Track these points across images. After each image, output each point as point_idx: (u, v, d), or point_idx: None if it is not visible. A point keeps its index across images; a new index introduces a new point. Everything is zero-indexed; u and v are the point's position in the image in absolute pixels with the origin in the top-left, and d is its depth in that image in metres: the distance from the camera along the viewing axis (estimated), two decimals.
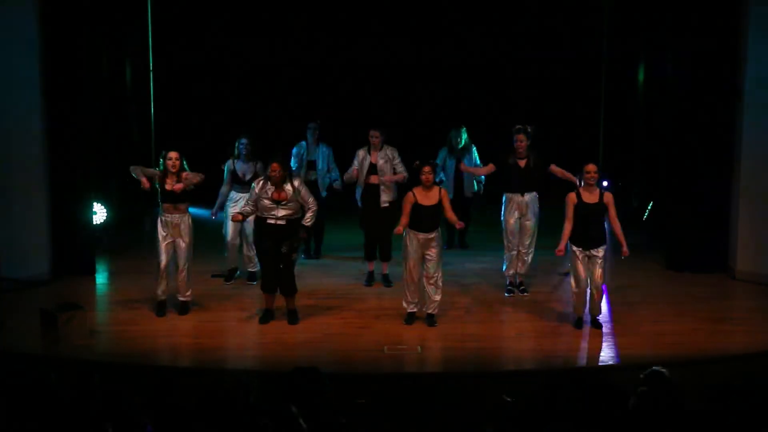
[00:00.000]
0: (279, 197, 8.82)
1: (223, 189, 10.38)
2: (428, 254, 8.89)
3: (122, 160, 12.19)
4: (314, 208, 8.99)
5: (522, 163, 9.81)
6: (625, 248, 8.79)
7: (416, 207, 8.81)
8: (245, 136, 10.33)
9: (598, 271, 8.75)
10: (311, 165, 11.19)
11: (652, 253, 11.94)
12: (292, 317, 9.12)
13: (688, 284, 10.56)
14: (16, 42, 10.11)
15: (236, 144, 10.29)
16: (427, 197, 8.84)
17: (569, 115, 15.33)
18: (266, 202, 8.87)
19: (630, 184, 13.93)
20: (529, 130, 9.85)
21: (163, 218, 9.16)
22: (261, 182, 8.97)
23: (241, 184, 10.22)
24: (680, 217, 11.05)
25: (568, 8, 14.95)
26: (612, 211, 8.80)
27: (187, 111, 14.53)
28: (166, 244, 9.15)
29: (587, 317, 9.00)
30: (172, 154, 9.10)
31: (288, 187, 8.86)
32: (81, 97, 10.60)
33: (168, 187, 9.06)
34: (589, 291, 8.85)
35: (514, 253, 9.93)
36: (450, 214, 8.93)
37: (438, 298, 9.01)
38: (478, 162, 11.52)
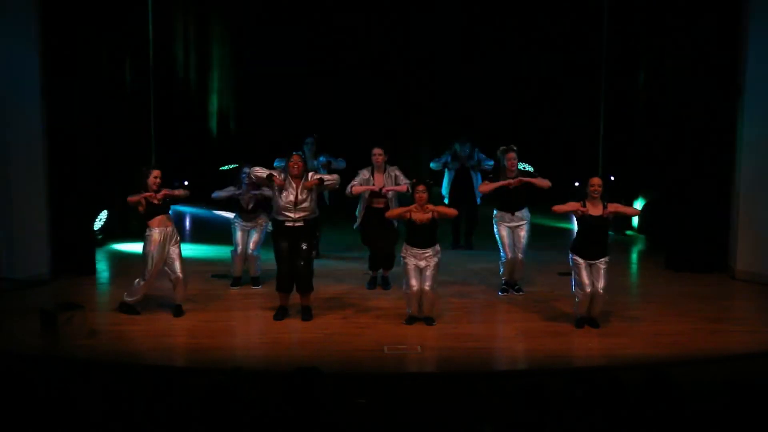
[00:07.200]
0: (296, 200, 8.81)
1: (220, 193, 10.22)
2: (426, 267, 8.90)
3: (122, 160, 12.20)
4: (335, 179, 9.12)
5: (514, 181, 9.76)
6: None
7: (410, 223, 8.89)
8: (247, 164, 9.73)
9: (602, 279, 8.73)
10: None
11: (652, 253, 11.96)
12: (307, 314, 9.13)
13: (688, 284, 10.57)
14: (17, 42, 10.10)
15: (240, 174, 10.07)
16: (420, 214, 8.87)
17: (569, 116, 15.35)
18: (284, 202, 8.85)
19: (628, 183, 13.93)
20: (515, 148, 9.84)
21: (156, 234, 9.07)
22: (282, 174, 8.92)
23: (245, 212, 10.14)
24: (680, 217, 11.06)
25: (568, 8, 14.98)
26: (621, 208, 8.85)
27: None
28: (159, 258, 9.11)
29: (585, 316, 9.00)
30: (156, 172, 9.13)
31: (307, 182, 8.88)
32: (81, 97, 10.59)
33: (155, 201, 9.03)
34: (591, 292, 8.83)
35: (511, 258, 9.93)
36: (444, 210, 9.13)
37: (434, 306, 9.06)
38: (490, 162, 11.49)
